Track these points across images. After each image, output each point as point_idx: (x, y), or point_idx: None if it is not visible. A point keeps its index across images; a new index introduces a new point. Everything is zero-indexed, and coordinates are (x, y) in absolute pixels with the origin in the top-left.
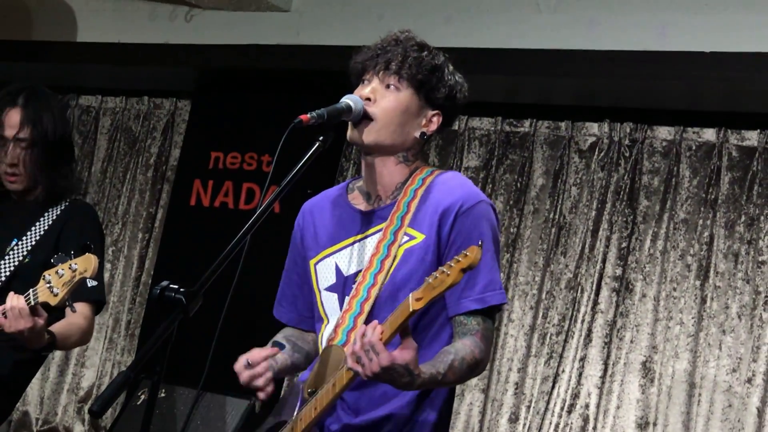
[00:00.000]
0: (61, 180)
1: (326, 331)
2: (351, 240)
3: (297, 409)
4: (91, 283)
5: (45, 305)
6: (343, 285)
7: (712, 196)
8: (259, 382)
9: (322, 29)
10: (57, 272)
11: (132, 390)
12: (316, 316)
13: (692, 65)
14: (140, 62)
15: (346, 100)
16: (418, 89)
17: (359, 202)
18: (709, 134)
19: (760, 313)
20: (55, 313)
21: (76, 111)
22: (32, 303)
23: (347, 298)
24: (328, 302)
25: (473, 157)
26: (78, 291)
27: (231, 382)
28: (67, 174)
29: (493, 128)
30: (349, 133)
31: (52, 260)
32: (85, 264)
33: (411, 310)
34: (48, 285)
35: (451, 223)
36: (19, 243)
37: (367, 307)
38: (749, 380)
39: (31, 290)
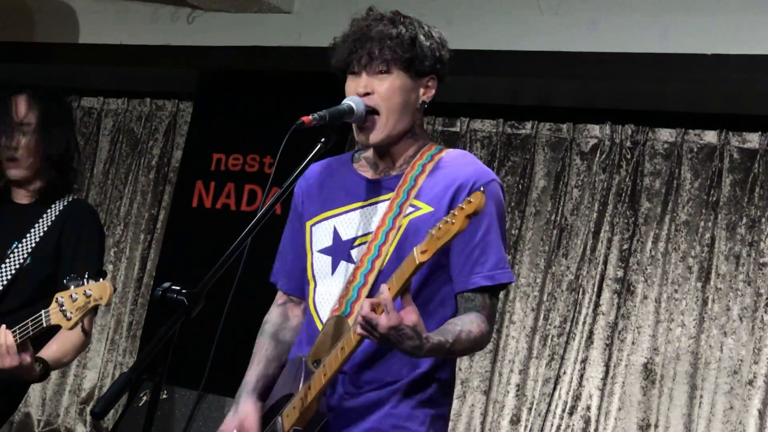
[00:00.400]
0: (61, 175)
1: (317, 296)
2: (354, 206)
3: (303, 380)
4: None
5: (57, 327)
6: (339, 249)
7: (714, 198)
8: None
9: (324, 31)
10: (71, 296)
11: (134, 391)
12: (305, 279)
13: (694, 67)
14: (142, 64)
15: (348, 101)
16: (408, 66)
17: (366, 171)
18: (711, 136)
19: (762, 315)
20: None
21: (78, 112)
22: (44, 324)
23: (351, 269)
24: (319, 264)
25: None
26: None
27: (232, 383)
28: (68, 171)
29: (494, 130)
30: (357, 136)
31: (65, 280)
32: (100, 291)
33: (417, 262)
34: (61, 308)
35: (464, 199)
36: (20, 245)
37: (371, 279)
38: (750, 382)
39: (43, 311)
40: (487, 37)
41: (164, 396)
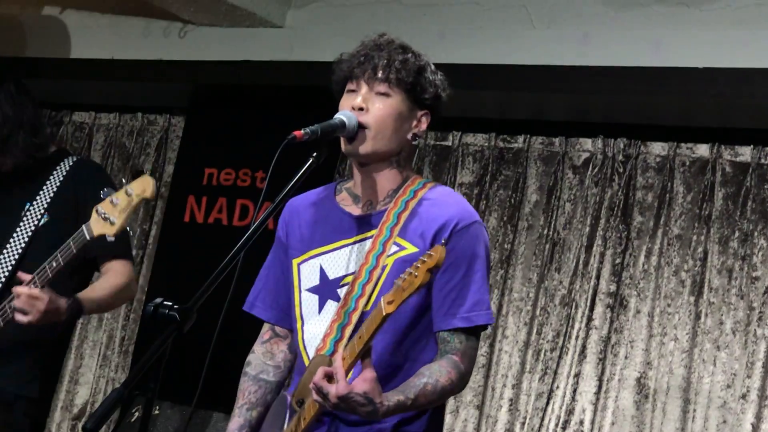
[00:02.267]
0: (22, 148)
1: (305, 335)
2: (340, 244)
3: (287, 420)
4: (110, 237)
5: (102, 237)
6: (326, 288)
7: (706, 212)
8: None
9: (316, 45)
10: (111, 201)
11: (126, 407)
12: (292, 315)
13: (686, 81)
14: (134, 78)
15: (340, 116)
16: (408, 92)
17: (349, 205)
18: (703, 150)
19: (755, 329)
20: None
21: (70, 127)
22: (87, 237)
23: (335, 308)
24: (307, 303)
25: (467, 173)
26: (101, 246)
27: (225, 399)
28: (25, 141)
29: (486, 144)
30: (343, 147)
31: (101, 194)
32: (142, 185)
33: (384, 314)
34: (103, 216)
35: (446, 239)
36: (33, 205)
37: (354, 318)
38: (744, 396)
39: (84, 226)
40: (479, 50)
41: (156, 412)
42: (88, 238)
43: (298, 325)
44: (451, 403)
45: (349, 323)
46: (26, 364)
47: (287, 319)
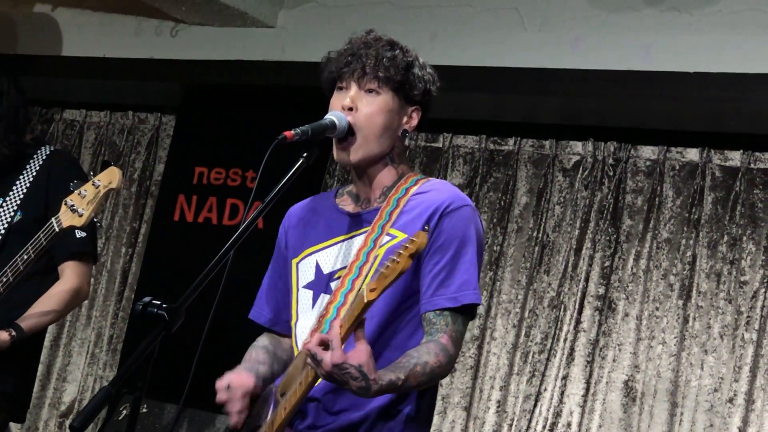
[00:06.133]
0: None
1: (298, 330)
2: (335, 240)
3: (270, 412)
4: (80, 234)
5: (71, 229)
6: (321, 283)
7: (695, 216)
8: (233, 407)
9: (308, 46)
10: (79, 194)
11: (114, 405)
12: (290, 316)
13: (676, 85)
14: (125, 77)
15: (331, 116)
16: (397, 89)
17: (347, 204)
18: (693, 154)
19: (742, 333)
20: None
21: (61, 125)
22: (56, 230)
23: (325, 302)
24: (303, 299)
25: (457, 174)
26: (60, 245)
27: (213, 397)
28: (15, 132)
29: (477, 146)
30: (335, 154)
31: (71, 187)
32: (109, 177)
33: (366, 300)
34: (71, 208)
35: (436, 221)
36: (5, 202)
37: (343, 312)
38: (731, 400)
39: (53, 218)
40: (470, 53)
41: (144, 410)
42: (57, 230)
43: (293, 321)
44: (438, 404)
45: (337, 317)
46: (1, 360)
47: (281, 324)
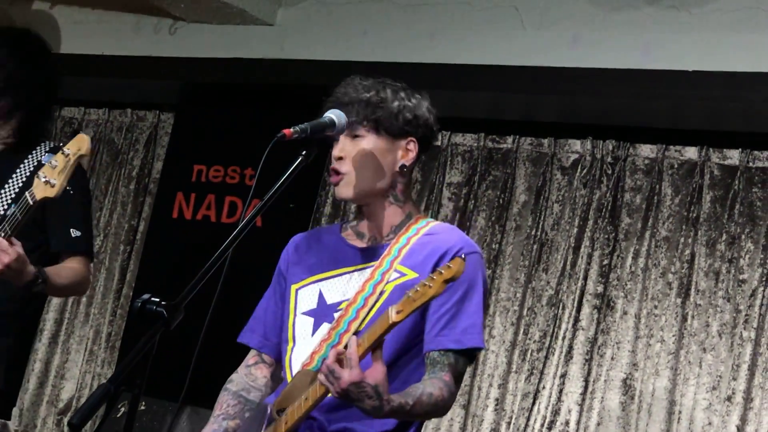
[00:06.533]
0: (34, 119)
1: (294, 354)
2: (341, 271)
3: (264, 427)
4: (74, 233)
5: (44, 201)
6: (323, 312)
7: (694, 215)
8: None
9: (307, 43)
10: (50, 164)
11: (112, 402)
12: (284, 338)
13: (675, 84)
14: (124, 74)
15: (330, 114)
16: (377, 129)
17: (353, 240)
18: (691, 153)
19: (741, 332)
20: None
21: (59, 123)
22: (30, 203)
23: (327, 329)
24: (301, 325)
25: (456, 172)
26: (62, 244)
27: (212, 395)
28: (42, 115)
29: (475, 144)
30: (335, 191)
31: (41, 160)
32: (77, 144)
33: (390, 321)
34: (44, 179)
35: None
36: (2, 192)
37: (345, 339)
38: (729, 398)
39: (27, 192)
40: (469, 51)
41: (143, 407)
42: (31, 203)
43: (289, 346)
44: None
45: (339, 343)
46: None
47: (274, 348)
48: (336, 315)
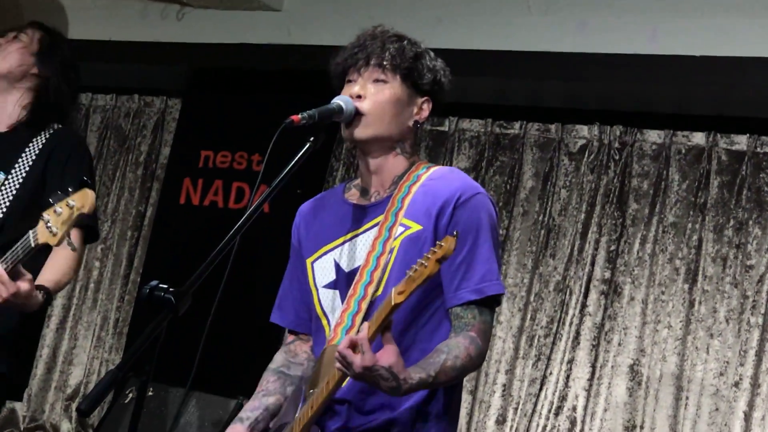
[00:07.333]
0: (48, 100)
1: (330, 330)
2: (349, 236)
3: (299, 408)
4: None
5: (45, 246)
6: (345, 281)
7: (701, 200)
8: None
9: (314, 29)
10: (55, 211)
11: (120, 388)
12: (314, 316)
13: (682, 69)
14: (131, 60)
15: (338, 100)
16: (405, 78)
17: (355, 198)
18: (699, 138)
19: (748, 317)
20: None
21: None
22: (32, 245)
23: (347, 297)
24: (327, 299)
25: (463, 158)
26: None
27: (219, 381)
28: (55, 97)
29: (482, 130)
30: (343, 132)
31: (50, 199)
32: (81, 200)
33: (393, 303)
34: (47, 225)
35: (449, 214)
36: (9, 177)
37: (364, 306)
38: (736, 384)
39: (30, 232)
40: (476, 36)
41: (151, 393)
42: (32, 245)
43: (324, 322)
44: None
45: (359, 311)
46: None
47: (307, 324)
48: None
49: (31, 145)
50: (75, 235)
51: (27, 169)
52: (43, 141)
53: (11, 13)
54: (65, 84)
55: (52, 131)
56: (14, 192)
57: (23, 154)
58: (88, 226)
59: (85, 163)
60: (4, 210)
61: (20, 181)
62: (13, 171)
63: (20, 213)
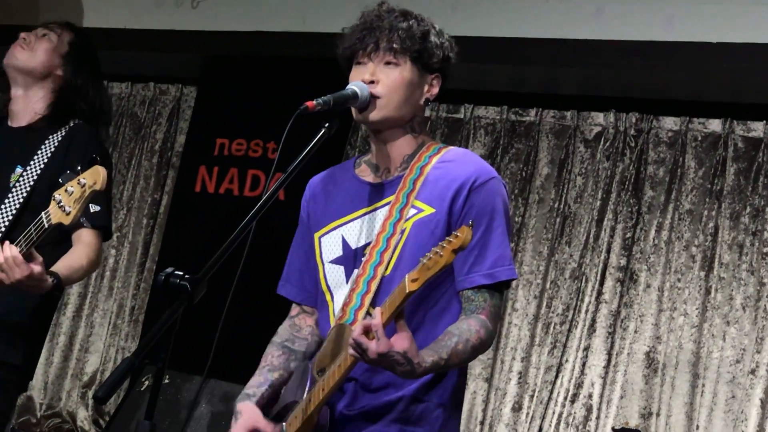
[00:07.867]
0: (70, 99)
1: (334, 306)
2: (359, 213)
3: (307, 389)
4: (93, 207)
5: (59, 226)
6: (351, 258)
7: (718, 187)
8: None
9: (328, 16)
10: (66, 190)
11: (136, 376)
12: (319, 291)
13: (698, 56)
14: (146, 48)
15: (353, 86)
16: (416, 60)
17: (367, 175)
18: (715, 125)
19: (765, 305)
20: (52, 247)
21: None
22: (46, 225)
23: (355, 276)
24: (332, 275)
25: (479, 145)
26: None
27: (236, 368)
28: (82, 89)
29: (498, 117)
30: (355, 115)
31: (60, 179)
32: (93, 176)
33: (407, 291)
34: (59, 205)
35: (464, 197)
36: (26, 171)
37: (373, 286)
38: (753, 371)
39: (43, 213)
40: (491, 23)
41: (167, 381)
42: (46, 225)
43: (328, 297)
44: None
45: (369, 291)
46: (10, 331)
47: (312, 297)
48: (364, 260)
49: (49, 140)
50: (88, 235)
51: (44, 163)
52: (62, 135)
53: (28, 2)
54: (93, 90)
55: (69, 126)
56: (31, 184)
57: (41, 149)
58: (100, 226)
59: (102, 151)
60: (21, 202)
61: (38, 173)
62: (30, 165)
63: (37, 206)
